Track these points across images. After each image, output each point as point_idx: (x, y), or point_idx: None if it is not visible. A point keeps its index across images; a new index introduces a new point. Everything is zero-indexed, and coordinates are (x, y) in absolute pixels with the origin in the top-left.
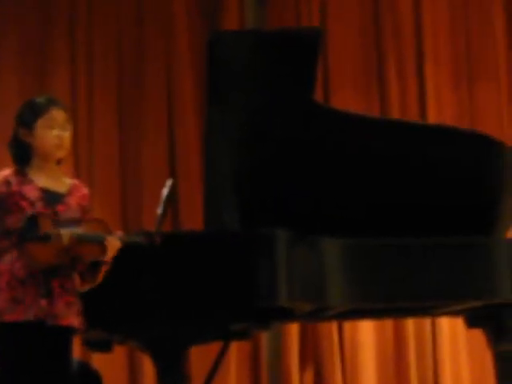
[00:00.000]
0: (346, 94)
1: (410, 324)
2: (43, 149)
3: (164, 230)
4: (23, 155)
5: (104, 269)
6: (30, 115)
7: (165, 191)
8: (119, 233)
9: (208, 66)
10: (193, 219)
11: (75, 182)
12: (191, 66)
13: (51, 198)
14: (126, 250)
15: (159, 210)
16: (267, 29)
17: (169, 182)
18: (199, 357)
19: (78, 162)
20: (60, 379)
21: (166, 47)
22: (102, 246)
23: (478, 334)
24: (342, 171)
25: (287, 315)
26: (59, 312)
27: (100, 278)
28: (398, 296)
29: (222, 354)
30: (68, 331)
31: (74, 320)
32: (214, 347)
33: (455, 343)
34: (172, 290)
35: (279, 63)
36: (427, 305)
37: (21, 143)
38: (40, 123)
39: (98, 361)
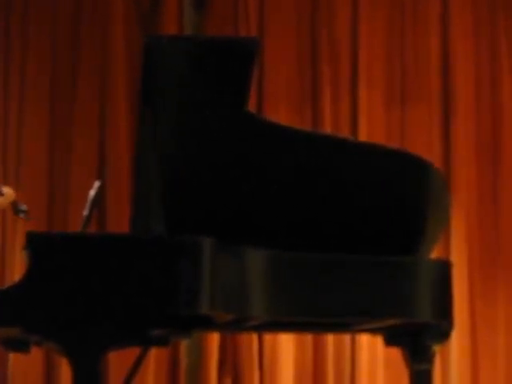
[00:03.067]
0: (279, 110)
1: (329, 339)
2: None
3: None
4: None
5: None
6: None
7: (92, 193)
8: None
9: (142, 71)
10: (120, 222)
11: None
12: (126, 69)
13: None
14: (49, 248)
15: (86, 212)
16: (204, 35)
17: (96, 184)
18: (117, 362)
19: (5, 165)
20: None
21: (102, 49)
22: None
23: (396, 352)
24: (269, 183)
25: (208, 324)
26: None
27: None
28: (314, 311)
29: (140, 359)
30: None
31: None
32: (132, 352)
33: (373, 360)
34: (92, 292)
35: (213, 71)
36: (343, 321)
37: None
38: None
39: (14, 362)
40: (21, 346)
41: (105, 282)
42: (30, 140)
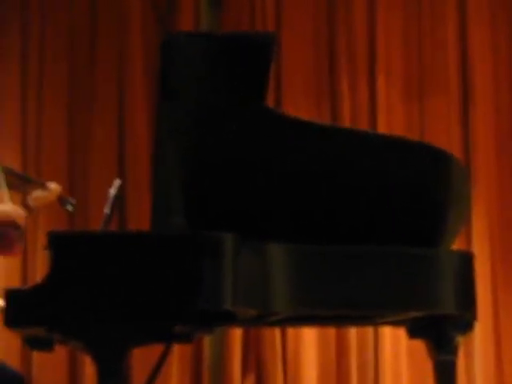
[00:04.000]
0: (297, 103)
1: (352, 332)
2: None
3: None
4: None
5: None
6: None
7: (112, 191)
8: None
9: (160, 68)
10: (140, 219)
11: None
12: (143, 66)
13: None
14: (71, 248)
15: (107, 210)
16: (220, 32)
17: (116, 183)
18: (140, 359)
19: (25, 164)
20: None
21: (119, 46)
22: None
23: (419, 344)
24: (289, 177)
25: (230, 319)
26: None
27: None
28: (337, 304)
29: (164, 356)
30: None
31: None
32: (156, 350)
33: (397, 352)
34: (115, 290)
35: (231, 67)
36: (366, 314)
37: None
38: None
39: (38, 360)
40: (44, 345)
41: (127, 279)
42: (49, 138)
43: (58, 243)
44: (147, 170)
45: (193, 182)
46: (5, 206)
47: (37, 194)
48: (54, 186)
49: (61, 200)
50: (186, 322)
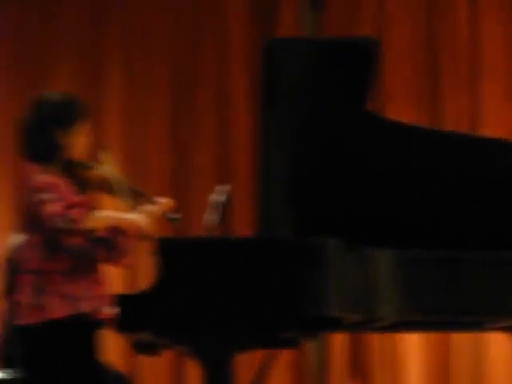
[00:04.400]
0: (398, 107)
1: (458, 337)
2: (76, 154)
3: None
4: (54, 155)
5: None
6: (69, 118)
7: (216, 197)
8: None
9: (262, 73)
10: (243, 226)
11: None
12: (245, 70)
13: None
14: (181, 253)
15: (212, 216)
16: (323, 37)
17: (221, 189)
18: (245, 363)
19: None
20: (88, 380)
21: (221, 51)
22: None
23: None
24: (394, 182)
25: (335, 325)
26: (99, 306)
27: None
28: (447, 309)
29: (269, 362)
30: (96, 324)
31: (105, 311)
32: (257, 355)
33: (505, 356)
34: (222, 295)
35: (334, 72)
36: (478, 319)
37: (53, 144)
38: (78, 130)
39: (142, 364)
40: (151, 349)
41: (234, 285)
42: (153, 142)
43: (168, 249)
44: (250, 175)
45: (299, 186)
46: (134, 216)
47: (145, 209)
48: (163, 200)
49: (167, 214)
50: (291, 328)
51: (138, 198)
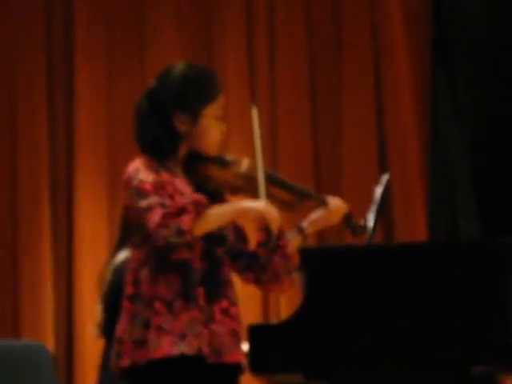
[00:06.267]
0: None
1: None
2: (204, 144)
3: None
4: (173, 146)
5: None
6: (193, 98)
7: (378, 190)
8: None
9: (432, 34)
10: (408, 222)
11: None
12: (405, 34)
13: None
14: (331, 267)
15: (372, 213)
16: None
17: (384, 178)
18: None
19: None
20: None
21: (373, 13)
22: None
23: None
24: None
25: None
26: (223, 345)
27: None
28: None
29: None
30: (234, 370)
31: (241, 355)
32: None
33: None
34: (386, 320)
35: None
36: None
37: (173, 132)
38: (208, 111)
39: None
40: None
41: (404, 302)
42: (290, 125)
43: (314, 263)
44: (416, 161)
45: (485, 179)
46: (257, 203)
47: (315, 216)
48: (337, 202)
49: (347, 221)
50: (488, 360)
51: (298, 201)
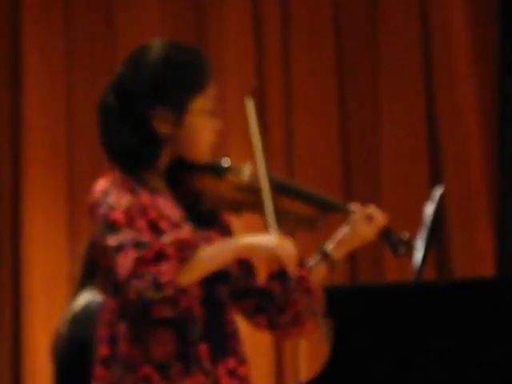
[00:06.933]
0: None
1: None
2: (193, 149)
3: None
4: (151, 154)
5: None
6: (177, 88)
7: (429, 210)
8: None
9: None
10: (469, 251)
11: None
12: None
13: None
14: (365, 309)
15: (421, 239)
16: None
17: (436, 193)
18: None
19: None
20: None
21: None
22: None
23: None
24: None
25: None
26: None
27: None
28: None
29: None
30: None
31: None
32: None
33: None
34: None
35: None
36: None
37: (151, 134)
38: (196, 105)
39: None
40: None
41: (468, 354)
42: (320, 120)
43: (344, 305)
44: (480, 171)
45: None
46: (266, 238)
47: (343, 234)
48: (372, 212)
49: (386, 237)
50: None
51: (319, 214)
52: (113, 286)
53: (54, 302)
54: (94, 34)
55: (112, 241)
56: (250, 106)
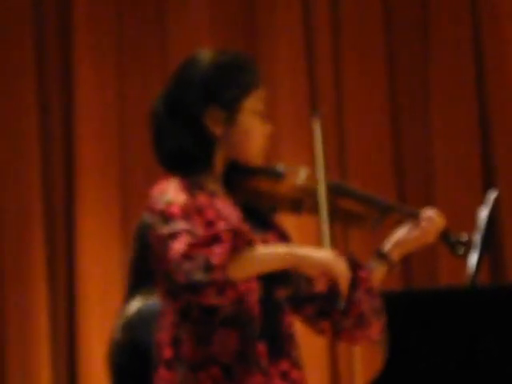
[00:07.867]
0: None
1: None
2: (246, 149)
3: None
4: (206, 156)
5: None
6: (229, 87)
7: (483, 213)
8: None
9: None
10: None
11: None
12: None
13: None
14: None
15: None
16: None
17: (491, 196)
18: None
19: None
20: None
21: None
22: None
23: None
24: None
25: None
26: None
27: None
28: None
29: None
30: None
31: None
32: None
33: None
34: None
35: None
36: None
37: (204, 135)
38: (248, 105)
39: None
40: None
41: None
42: (371, 126)
43: (399, 311)
44: None
45: None
46: (322, 253)
47: (401, 235)
48: (431, 214)
49: (445, 238)
50: None
51: (376, 214)
52: (166, 276)
53: (109, 314)
54: (144, 43)
55: (165, 230)
56: (317, 128)
